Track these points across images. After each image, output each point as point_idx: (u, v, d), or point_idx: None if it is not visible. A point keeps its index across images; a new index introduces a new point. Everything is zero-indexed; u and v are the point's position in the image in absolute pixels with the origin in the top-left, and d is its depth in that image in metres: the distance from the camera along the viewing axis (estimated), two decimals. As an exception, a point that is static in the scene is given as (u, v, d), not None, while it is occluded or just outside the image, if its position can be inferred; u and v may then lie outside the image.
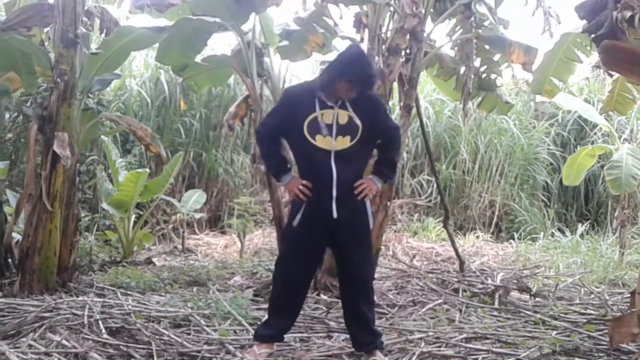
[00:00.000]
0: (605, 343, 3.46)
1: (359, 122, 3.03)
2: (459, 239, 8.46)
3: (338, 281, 3.33)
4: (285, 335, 3.31)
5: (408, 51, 5.00)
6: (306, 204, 3.08)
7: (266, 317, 3.33)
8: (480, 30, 5.59)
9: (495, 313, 4.39)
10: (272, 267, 3.33)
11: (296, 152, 3.21)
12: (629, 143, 7.50)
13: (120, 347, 3.17)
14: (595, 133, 9.80)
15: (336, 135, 3.01)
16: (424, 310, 4.36)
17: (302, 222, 3.10)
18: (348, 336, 3.55)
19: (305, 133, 3.02)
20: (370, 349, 3.15)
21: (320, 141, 3.01)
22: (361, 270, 3.15)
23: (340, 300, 4.39)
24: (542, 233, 8.72)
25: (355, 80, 2.97)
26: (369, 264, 3.25)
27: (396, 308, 4.46)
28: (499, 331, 3.80)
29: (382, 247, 6.41)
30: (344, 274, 3.22)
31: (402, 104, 5.13)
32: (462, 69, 5.65)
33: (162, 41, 5.31)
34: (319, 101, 3.04)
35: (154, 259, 6.62)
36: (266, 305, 3.52)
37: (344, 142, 3.02)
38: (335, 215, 3.02)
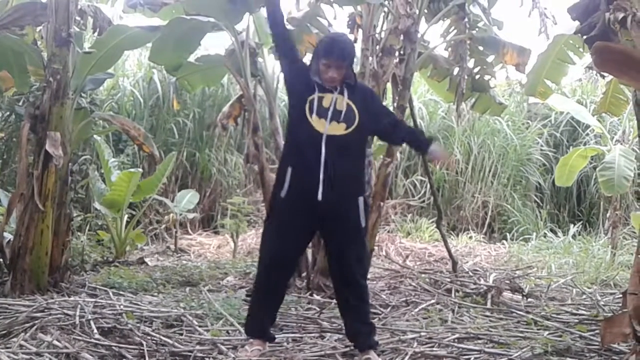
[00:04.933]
0: (596, 343, 3.47)
1: (356, 111, 3.08)
2: (452, 239, 8.47)
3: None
4: (277, 336, 3.32)
5: (402, 52, 5.01)
6: (291, 177, 3.08)
7: (250, 306, 3.30)
8: (474, 31, 5.61)
9: (488, 313, 4.39)
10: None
11: (292, 124, 3.23)
12: (621, 144, 7.54)
13: (112, 347, 3.15)
14: (588, 134, 9.85)
15: (330, 120, 3.04)
16: (416, 310, 4.36)
17: (288, 195, 3.09)
18: (341, 336, 3.56)
19: (306, 108, 3.06)
20: (360, 342, 3.16)
21: (316, 122, 3.04)
22: (347, 257, 3.12)
23: (332, 301, 4.43)
24: (534, 234, 8.75)
25: (328, 56, 3.06)
26: (358, 254, 3.17)
27: (389, 308, 4.46)
28: (491, 331, 3.81)
29: (375, 248, 6.42)
30: (330, 261, 3.24)
31: (395, 104, 5.14)
32: (456, 70, 5.66)
33: (156, 41, 5.29)
34: (318, 85, 3.10)
35: (146, 259, 6.59)
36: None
37: (338, 129, 3.04)
38: (320, 197, 3.01)
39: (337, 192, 3.04)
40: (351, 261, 3.13)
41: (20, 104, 6.89)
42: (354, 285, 3.16)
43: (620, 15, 2.91)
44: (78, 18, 4.99)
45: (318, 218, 3.09)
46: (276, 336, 3.35)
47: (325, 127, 3.03)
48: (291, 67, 3.25)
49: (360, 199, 3.14)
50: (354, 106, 3.09)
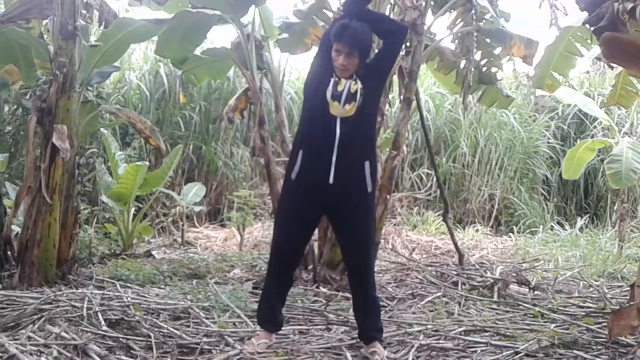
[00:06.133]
0: (604, 336, 3.47)
1: (361, 91, 3.08)
2: (459, 232, 8.47)
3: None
4: (283, 328, 3.33)
5: (408, 44, 4.98)
6: (302, 159, 3.09)
7: (262, 293, 3.32)
8: (481, 23, 5.57)
9: (494, 306, 4.40)
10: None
11: (307, 108, 3.22)
12: (629, 137, 7.50)
13: (120, 339, 3.17)
14: (595, 127, 9.80)
15: (344, 103, 3.05)
16: (423, 303, 4.36)
17: (298, 177, 3.10)
18: (347, 328, 3.57)
19: (327, 91, 3.06)
20: (366, 334, 3.17)
21: (330, 104, 3.06)
22: (357, 238, 3.14)
23: (338, 293, 4.44)
24: (541, 226, 8.73)
25: (338, 40, 3.03)
26: (366, 234, 3.17)
27: (395, 301, 4.47)
28: (497, 324, 3.81)
29: (382, 241, 6.42)
30: (341, 244, 3.32)
31: (402, 97, 5.12)
32: (463, 63, 5.63)
33: (162, 34, 5.29)
34: (335, 72, 3.10)
35: (153, 252, 6.62)
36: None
37: (351, 110, 3.06)
38: (331, 180, 3.02)
39: (347, 172, 3.05)
40: (360, 231, 3.13)
41: (27, 97, 6.91)
42: (355, 253, 3.16)
43: (630, 5, 2.89)
44: (84, 11, 4.97)
45: (327, 200, 3.09)
46: (283, 328, 3.36)
47: (339, 110, 3.04)
48: (323, 57, 3.19)
49: (367, 163, 3.11)
50: (361, 87, 3.09)
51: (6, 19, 4.67)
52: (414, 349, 3.22)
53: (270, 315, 3.22)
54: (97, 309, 3.55)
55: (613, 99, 6.22)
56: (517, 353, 3.19)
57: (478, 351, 3.25)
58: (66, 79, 4.56)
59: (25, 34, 4.86)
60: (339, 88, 3.07)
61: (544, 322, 3.92)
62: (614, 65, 4.04)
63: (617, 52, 2.96)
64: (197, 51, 5.79)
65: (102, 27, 5.44)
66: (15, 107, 7.66)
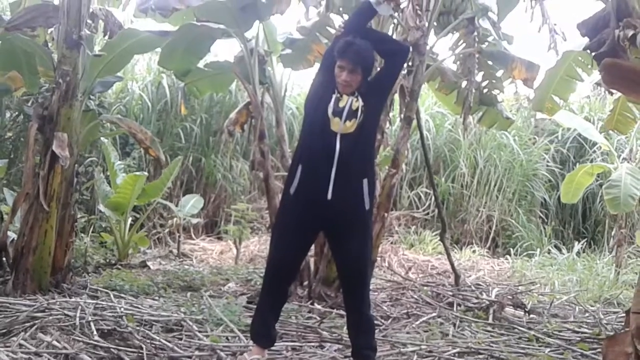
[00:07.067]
0: (598, 362, 3.45)
1: (362, 108, 3.08)
2: (455, 252, 8.44)
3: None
4: (276, 344, 3.31)
5: (410, 64, 5.01)
6: (301, 174, 3.08)
7: (256, 308, 3.30)
8: (483, 45, 5.61)
9: (489, 328, 4.37)
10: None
11: (308, 123, 3.21)
12: (628, 162, 7.51)
13: (111, 349, 3.15)
14: (595, 151, 9.81)
15: (345, 120, 3.05)
16: (417, 323, 4.34)
17: (297, 192, 3.09)
18: (340, 346, 3.54)
19: (328, 107, 3.06)
20: (359, 353, 3.14)
21: (331, 120, 3.06)
22: (353, 255, 3.12)
23: (333, 311, 4.42)
24: (538, 250, 8.70)
25: (341, 57, 3.04)
26: (363, 252, 3.15)
27: (390, 320, 4.45)
28: (492, 347, 3.79)
29: (378, 259, 6.40)
30: (336, 260, 3.29)
31: (402, 115, 5.14)
32: (464, 83, 5.66)
33: (166, 46, 5.33)
34: (337, 88, 3.11)
35: (148, 263, 6.60)
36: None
37: (351, 127, 3.05)
38: (329, 196, 3.01)
39: (345, 189, 3.04)
40: (356, 248, 3.11)
41: (29, 104, 6.91)
42: (353, 274, 3.14)
43: (630, 32, 2.90)
44: (89, 21, 5.01)
45: (325, 216, 3.08)
46: (276, 344, 3.33)
47: (340, 127, 3.04)
48: (325, 73, 3.21)
49: (365, 181, 3.10)
50: (364, 106, 3.10)
51: (12, 27, 4.71)
52: (407, 369, 3.20)
53: (263, 330, 3.20)
54: (90, 319, 3.53)
55: (610, 124, 6.24)
56: (510, 376, 3.18)
57: (472, 373, 3.23)
58: (69, 88, 4.59)
59: (30, 41, 4.90)
60: (341, 104, 3.07)
61: (539, 346, 3.90)
62: (613, 91, 4.05)
63: (617, 78, 2.97)
64: (200, 64, 5.83)
65: (106, 37, 5.47)
66: (16, 113, 7.68)
